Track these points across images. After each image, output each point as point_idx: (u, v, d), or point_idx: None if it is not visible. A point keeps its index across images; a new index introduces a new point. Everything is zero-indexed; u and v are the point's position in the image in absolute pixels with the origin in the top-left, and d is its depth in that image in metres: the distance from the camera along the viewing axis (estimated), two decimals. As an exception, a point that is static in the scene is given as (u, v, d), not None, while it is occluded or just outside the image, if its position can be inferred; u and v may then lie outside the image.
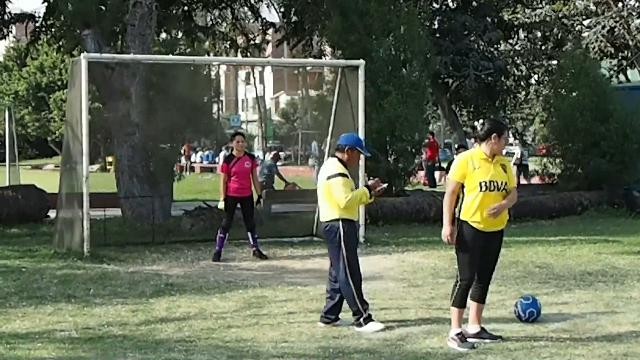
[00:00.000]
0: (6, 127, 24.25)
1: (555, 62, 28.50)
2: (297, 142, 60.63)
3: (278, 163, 24.03)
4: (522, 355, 7.44)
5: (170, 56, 17.24)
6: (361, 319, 8.34)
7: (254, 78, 73.57)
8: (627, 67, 31.40)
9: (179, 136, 18.90)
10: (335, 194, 8.28)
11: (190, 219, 16.19)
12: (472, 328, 7.93)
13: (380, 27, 18.49)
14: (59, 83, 57.90)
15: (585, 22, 30.98)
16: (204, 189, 27.68)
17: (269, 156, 49.21)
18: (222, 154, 46.87)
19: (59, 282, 10.90)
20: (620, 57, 30.97)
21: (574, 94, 20.51)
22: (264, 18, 24.50)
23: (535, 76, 32.02)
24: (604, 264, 12.48)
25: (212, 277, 11.53)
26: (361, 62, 14.96)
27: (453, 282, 7.97)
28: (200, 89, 19.51)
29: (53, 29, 20.62)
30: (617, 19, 29.47)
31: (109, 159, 43.53)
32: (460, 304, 7.81)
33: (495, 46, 27.98)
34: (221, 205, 13.15)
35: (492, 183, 7.69)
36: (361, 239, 14.49)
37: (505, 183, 7.77)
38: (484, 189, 7.67)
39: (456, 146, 28.07)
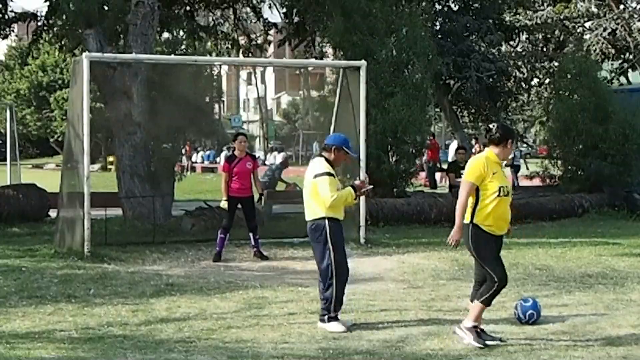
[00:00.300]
0: (7, 126, 24.23)
1: (556, 64, 28.47)
2: (299, 142, 60.64)
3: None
4: (522, 357, 7.45)
5: (172, 56, 17.26)
6: (326, 317, 8.38)
7: (256, 78, 73.61)
8: (629, 70, 31.39)
9: (180, 136, 18.90)
10: (321, 192, 8.32)
11: (191, 219, 16.19)
12: (468, 322, 7.93)
13: (383, 28, 18.49)
14: (60, 82, 57.94)
15: (587, 24, 30.97)
16: (205, 189, 27.68)
17: (277, 158, 49.22)
18: (223, 154, 46.90)
19: (59, 282, 10.90)
20: (621, 60, 30.96)
21: (576, 96, 20.49)
22: (266, 18, 24.52)
23: (536, 79, 32.01)
24: (604, 266, 12.48)
25: (213, 277, 11.53)
26: (363, 63, 14.96)
27: (480, 285, 8.02)
28: (202, 89, 19.53)
29: (55, 28, 20.62)
30: (619, 21, 29.47)
31: (110, 158, 43.59)
32: (488, 303, 7.90)
33: (497, 48, 27.97)
34: (224, 204, 13.19)
35: (506, 188, 7.81)
36: (362, 240, 14.51)
37: (509, 187, 7.89)
38: (501, 194, 7.73)
39: (456, 147, 28.10)
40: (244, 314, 9.15)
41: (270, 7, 27.83)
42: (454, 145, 28.76)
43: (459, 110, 29.85)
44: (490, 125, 7.99)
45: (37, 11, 20.95)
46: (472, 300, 8.04)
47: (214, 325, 8.60)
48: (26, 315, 8.96)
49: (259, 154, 54.86)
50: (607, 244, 14.79)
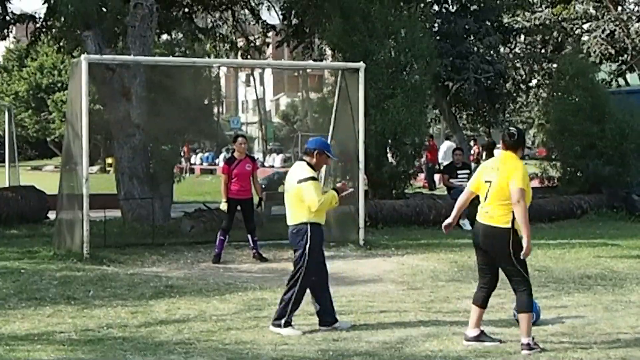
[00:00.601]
0: (6, 128, 24.22)
1: (555, 65, 28.49)
2: (297, 144, 60.57)
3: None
4: (521, 359, 7.45)
5: (171, 58, 17.27)
6: (282, 321, 8.37)
7: (254, 80, 73.57)
8: (627, 71, 31.40)
9: (179, 137, 18.90)
10: (307, 197, 8.31)
11: (190, 221, 16.20)
12: (473, 332, 7.92)
13: (382, 30, 18.49)
14: (59, 84, 57.89)
15: (585, 26, 30.99)
16: (204, 191, 27.69)
17: (276, 159, 49.16)
18: (222, 156, 46.88)
19: (58, 284, 10.90)
20: (619, 61, 30.97)
21: (574, 97, 20.49)
22: (265, 20, 24.52)
23: (535, 80, 32.02)
24: (603, 268, 12.48)
25: (212, 279, 11.53)
26: (361, 64, 14.97)
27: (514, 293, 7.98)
28: (201, 90, 19.52)
29: (53, 30, 20.62)
30: (617, 22, 29.49)
31: (109, 160, 43.55)
32: (531, 308, 7.85)
33: (496, 49, 27.98)
34: (223, 206, 13.20)
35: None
36: (361, 242, 14.52)
37: None
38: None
39: (445, 148, 28.10)
40: (244, 316, 9.16)
41: (268, 9, 27.87)
42: (444, 146, 28.71)
43: (458, 111, 29.87)
44: (513, 130, 7.90)
45: (35, 13, 20.95)
46: (476, 303, 7.91)
47: (213, 327, 8.60)
48: (25, 317, 8.96)
49: (258, 155, 54.82)
50: (606, 245, 14.80)
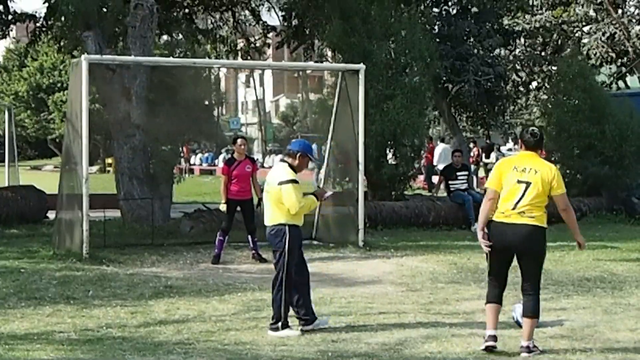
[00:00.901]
0: (6, 128, 24.22)
1: (554, 67, 28.52)
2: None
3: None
4: (521, 361, 7.46)
5: (171, 58, 17.27)
6: (279, 324, 8.38)
7: (254, 81, 73.57)
8: (627, 74, 31.43)
9: (179, 138, 18.91)
10: (288, 200, 8.33)
11: (189, 221, 16.19)
12: (494, 331, 7.80)
13: (382, 31, 18.51)
14: (59, 84, 57.89)
15: (585, 29, 31.02)
16: (203, 192, 27.70)
17: (276, 160, 49.04)
18: (221, 157, 46.86)
19: (58, 283, 10.90)
20: (619, 64, 31.00)
21: (574, 99, 20.50)
22: (265, 21, 24.54)
23: (535, 82, 32.04)
24: (602, 270, 12.49)
25: (212, 279, 11.53)
26: (362, 66, 14.97)
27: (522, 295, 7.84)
28: (201, 91, 19.52)
29: (54, 30, 20.63)
30: (617, 25, 29.51)
31: (108, 160, 43.57)
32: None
33: (496, 52, 28.00)
34: (223, 207, 13.22)
35: None
36: (360, 243, 14.52)
37: None
38: None
39: (453, 150, 28.04)
40: (243, 316, 9.16)
41: (269, 10, 27.89)
42: (439, 148, 28.66)
43: (457, 113, 29.87)
44: (536, 130, 7.81)
45: (35, 12, 20.96)
46: (496, 300, 7.79)
47: (212, 328, 8.60)
48: (25, 317, 8.97)
49: (258, 156, 54.81)
50: (605, 248, 14.81)
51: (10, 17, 20.36)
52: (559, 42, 31.26)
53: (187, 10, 22.40)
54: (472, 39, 26.29)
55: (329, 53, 23.95)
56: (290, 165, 8.52)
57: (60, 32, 20.04)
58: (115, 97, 16.61)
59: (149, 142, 16.81)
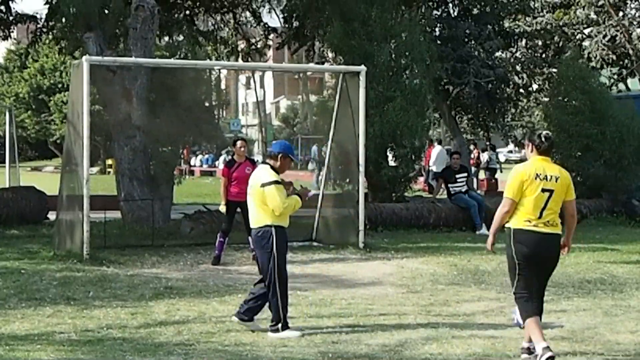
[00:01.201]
0: (7, 129, 24.24)
1: (555, 70, 28.50)
2: (297, 146, 60.63)
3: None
4: (521, 362, 7.47)
5: (172, 60, 17.28)
6: (279, 325, 8.39)
7: (255, 82, 73.56)
8: (628, 76, 31.41)
9: (179, 139, 18.92)
10: (272, 201, 8.35)
11: (190, 223, 16.20)
12: (545, 342, 7.46)
13: (382, 33, 18.52)
14: (60, 85, 57.91)
15: (586, 31, 31.00)
16: (204, 193, 27.70)
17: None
18: (222, 158, 46.86)
19: (58, 284, 10.91)
20: (620, 66, 30.99)
21: (574, 101, 20.51)
22: (266, 23, 24.55)
23: (535, 84, 32.02)
24: (602, 272, 12.49)
25: (212, 280, 11.54)
26: (362, 68, 14.98)
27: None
28: (201, 92, 19.54)
29: (54, 31, 20.64)
30: (618, 28, 29.50)
31: (109, 161, 43.58)
32: None
33: (496, 54, 27.99)
34: (222, 208, 13.23)
35: None
36: (360, 245, 14.52)
37: None
38: None
39: (451, 152, 28.04)
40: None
41: (269, 12, 27.89)
42: (436, 150, 28.64)
43: (458, 115, 29.86)
44: (548, 134, 7.68)
45: (36, 13, 20.99)
46: (540, 314, 7.59)
47: (213, 329, 8.61)
48: (25, 318, 8.97)
49: (258, 158, 54.76)
50: (605, 250, 14.81)
51: (11, 18, 20.38)
52: (560, 44, 31.23)
53: (187, 12, 22.42)
54: (472, 41, 26.28)
55: (330, 55, 23.95)
56: (272, 167, 8.56)
57: (61, 34, 20.06)
58: (116, 99, 16.62)
59: (149, 144, 16.82)
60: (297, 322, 8.91)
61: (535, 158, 7.62)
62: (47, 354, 7.45)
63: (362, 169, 14.83)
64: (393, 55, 18.65)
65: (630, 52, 29.62)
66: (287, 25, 24.18)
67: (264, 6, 25.32)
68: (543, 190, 7.45)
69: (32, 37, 21.22)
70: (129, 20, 16.75)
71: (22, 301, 9.84)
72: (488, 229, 17.11)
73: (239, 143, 13.55)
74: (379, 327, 8.71)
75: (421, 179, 27.50)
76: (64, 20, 18.04)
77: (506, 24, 28.80)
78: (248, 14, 25.00)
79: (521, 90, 30.59)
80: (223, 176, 13.47)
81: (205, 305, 9.81)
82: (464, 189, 18.02)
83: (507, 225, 7.58)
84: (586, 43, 30.54)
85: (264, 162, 8.79)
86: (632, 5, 31.77)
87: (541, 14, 30.79)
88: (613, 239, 16.54)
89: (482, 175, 31.99)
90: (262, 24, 24.38)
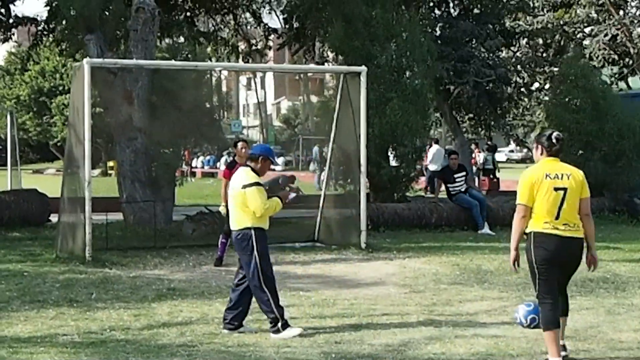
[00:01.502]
0: (8, 132, 24.26)
1: (556, 69, 28.50)
2: (298, 147, 60.66)
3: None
4: (524, 361, 7.47)
5: (173, 62, 17.29)
6: (279, 325, 8.39)
7: (255, 84, 73.64)
8: (629, 75, 31.42)
9: (181, 141, 18.93)
10: (253, 202, 8.39)
11: (192, 224, 16.20)
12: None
13: (383, 34, 18.52)
14: (61, 88, 57.96)
15: (587, 30, 31.01)
16: (205, 194, 27.71)
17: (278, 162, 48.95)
18: (223, 159, 46.86)
19: (61, 286, 10.91)
20: (621, 65, 30.99)
21: (575, 100, 20.51)
22: (266, 24, 24.57)
23: (537, 83, 32.02)
24: (605, 271, 12.47)
25: (214, 281, 11.54)
26: (363, 68, 14.98)
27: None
28: (202, 94, 19.56)
29: (55, 33, 20.67)
30: (619, 26, 29.51)
31: (110, 163, 43.57)
32: None
33: (497, 53, 28.00)
34: (222, 209, 13.20)
35: None
36: (362, 245, 14.52)
37: None
38: None
39: (449, 152, 28.05)
40: (246, 318, 9.13)
41: (270, 13, 27.91)
42: (433, 149, 28.62)
43: (459, 115, 29.87)
44: (560, 134, 7.55)
45: (37, 16, 21.02)
46: (559, 326, 7.40)
47: (215, 330, 8.61)
48: (28, 320, 8.97)
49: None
50: (607, 249, 14.78)
51: (11, 20, 20.40)
52: (561, 43, 31.24)
53: (188, 13, 22.44)
54: (473, 41, 26.30)
55: (330, 55, 23.97)
56: (253, 169, 8.60)
57: (61, 36, 20.10)
58: (117, 101, 16.63)
59: (150, 145, 16.84)
60: (300, 322, 8.91)
61: (544, 160, 7.46)
62: (51, 356, 7.46)
63: (363, 169, 14.83)
64: (394, 56, 18.65)
65: (631, 50, 29.62)
66: (287, 26, 24.21)
67: (264, 7, 25.34)
68: (556, 189, 7.28)
69: (33, 39, 21.27)
70: (129, 22, 16.77)
71: (24, 303, 9.84)
72: (490, 227, 17.32)
73: (240, 144, 13.54)
74: (381, 327, 8.71)
75: (422, 178, 27.48)
76: (64, 22, 18.07)
77: (507, 23, 28.82)
78: (248, 14, 25.03)
79: (522, 90, 30.60)
80: (224, 177, 13.46)
81: (207, 306, 9.82)
82: (463, 188, 18.00)
83: (525, 231, 7.37)
84: (587, 42, 30.55)
85: (245, 165, 8.85)
86: (633, 4, 31.78)
87: (542, 12, 30.81)
88: (615, 237, 16.52)
89: (482, 175, 31.98)
90: (262, 24, 24.40)
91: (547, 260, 7.28)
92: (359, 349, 7.81)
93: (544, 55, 31.27)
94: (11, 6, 20.20)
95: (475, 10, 26.89)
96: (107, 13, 17.03)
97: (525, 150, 58.74)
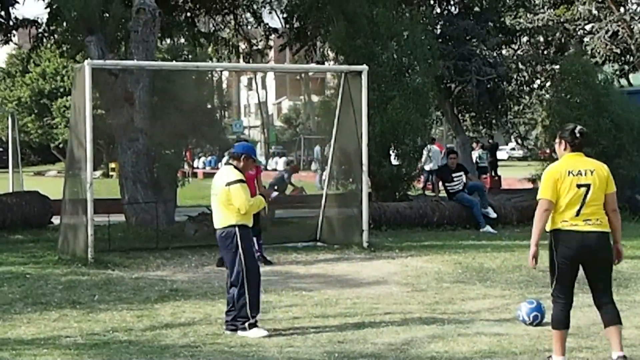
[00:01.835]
0: (9, 134, 24.28)
1: (557, 66, 28.48)
2: (300, 147, 60.67)
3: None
4: (527, 359, 7.45)
5: (174, 62, 17.31)
6: (246, 324, 8.41)
7: (256, 83, 73.60)
8: (630, 71, 31.38)
9: (182, 142, 18.94)
10: (237, 199, 8.44)
11: (194, 225, 16.21)
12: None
13: (384, 33, 18.52)
14: (62, 90, 58.00)
15: (588, 27, 30.97)
16: (207, 195, 27.64)
17: (279, 163, 49.06)
18: (224, 160, 46.85)
19: (63, 288, 10.92)
20: (622, 61, 30.95)
21: (577, 97, 20.50)
22: (267, 24, 24.57)
23: (538, 81, 31.99)
24: (607, 268, 12.46)
25: (217, 282, 11.52)
26: (364, 67, 14.98)
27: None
28: (203, 94, 19.56)
29: (56, 35, 20.67)
30: (620, 23, 29.48)
31: (112, 165, 43.57)
32: None
33: (498, 51, 27.99)
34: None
35: None
36: (364, 244, 14.53)
37: None
38: None
39: (448, 151, 28.03)
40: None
41: (270, 13, 27.90)
42: (427, 149, 28.55)
43: (460, 113, 29.86)
44: (584, 129, 7.36)
45: (37, 18, 21.02)
46: (563, 325, 7.28)
47: (219, 330, 8.61)
48: (31, 322, 8.98)
49: (261, 159, 54.80)
50: (610, 246, 14.78)
51: (12, 22, 20.40)
52: (562, 40, 31.20)
53: (188, 14, 22.43)
54: (474, 39, 26.29)
55: (331, 54, 23.96)
56: (236, 167, 8.67)
57: (62, 37, 20.10)
58: (118, 102, 16.64)
59: (152, 146, 16.84)
60: (303, 322, 8.93)
61: (566, 155, 7.30)
62: (54, 358, 7.47)
63: (365, 168, 14.83)
64: (395, 55, 18.65)
65: (633, 47, 29.59)
66: (288, 26, 24.20)
67: (264, 7, 25.34)
68: (578, 186, 7.12)
69: (33, 41, 21.27)
70: (130, 23, 16.77)
71: (27, 305, 9.85)
72: (492, 226, 17.31)
73: (241, 145, 13.54)
74: (384, 326, 8.72)
75: (423, 177, 27.47)
76: (65, 24, 18.08)
77: (507, 21, 28.80)
78: (249, 14, 25.02)
79: (523, 87, 30.58)
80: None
81: (210, 306, 9.82)
82: (461, 187, 18.00)
83: (546, 229, 7.26)
84: (587, 39, 30.52)
85: (227, 163, 8.94)
86: (634, 1, 31.74)
87: (542, 10, 30.77)
88: (617, 234, 16.50)
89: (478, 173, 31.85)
90: (262, 24, 24.40)
91: (569, 257, 7.13)
92: (362, 348, 7.82)
93: (545, 52, 31.23)
94: (11, 9, 20.19)
95: (476, 8, 26.88)
96: (107, 14, 17.03)
97: (525, 150, 58.82)
